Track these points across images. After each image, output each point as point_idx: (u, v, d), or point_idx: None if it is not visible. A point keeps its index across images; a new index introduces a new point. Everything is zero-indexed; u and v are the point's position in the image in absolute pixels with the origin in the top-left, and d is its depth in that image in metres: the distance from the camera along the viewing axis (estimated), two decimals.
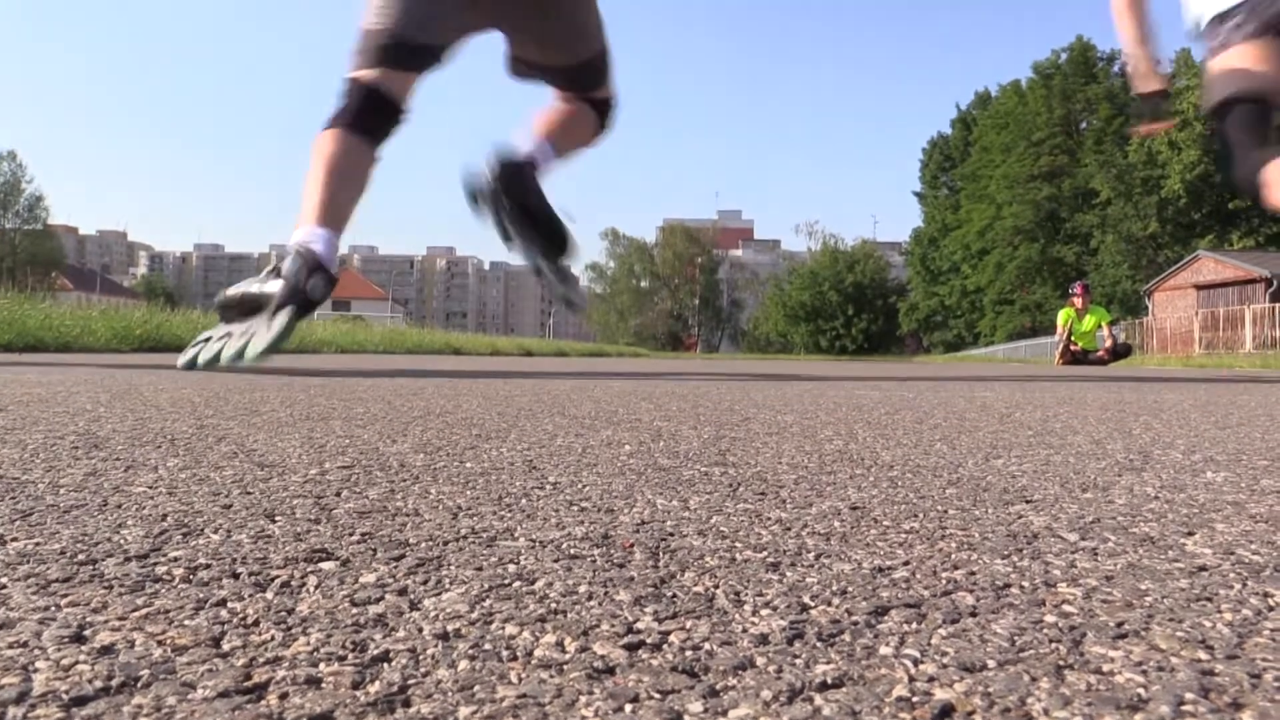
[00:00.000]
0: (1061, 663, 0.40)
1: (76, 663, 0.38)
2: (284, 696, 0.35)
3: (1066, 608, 0.48)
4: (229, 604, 0.47)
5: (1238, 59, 2.93)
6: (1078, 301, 10.30)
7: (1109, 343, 10.21)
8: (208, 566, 0.54)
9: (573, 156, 2.98)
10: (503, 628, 0.44)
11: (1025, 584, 0.53)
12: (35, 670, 0.37)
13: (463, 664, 0.39)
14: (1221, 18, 2.97)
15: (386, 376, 3.07)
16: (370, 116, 2.55)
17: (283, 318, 2.37)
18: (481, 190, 2.72)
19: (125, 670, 0.37)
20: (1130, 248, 33.00)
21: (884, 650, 0.41)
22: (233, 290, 2.58)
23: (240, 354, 2.39)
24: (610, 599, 0.49)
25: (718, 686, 0.37)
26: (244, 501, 0.75)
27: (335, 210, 2.49)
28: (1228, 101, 2.92)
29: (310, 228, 2.45)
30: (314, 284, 2.39)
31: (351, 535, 0.63)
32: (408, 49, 2.58)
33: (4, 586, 0.49)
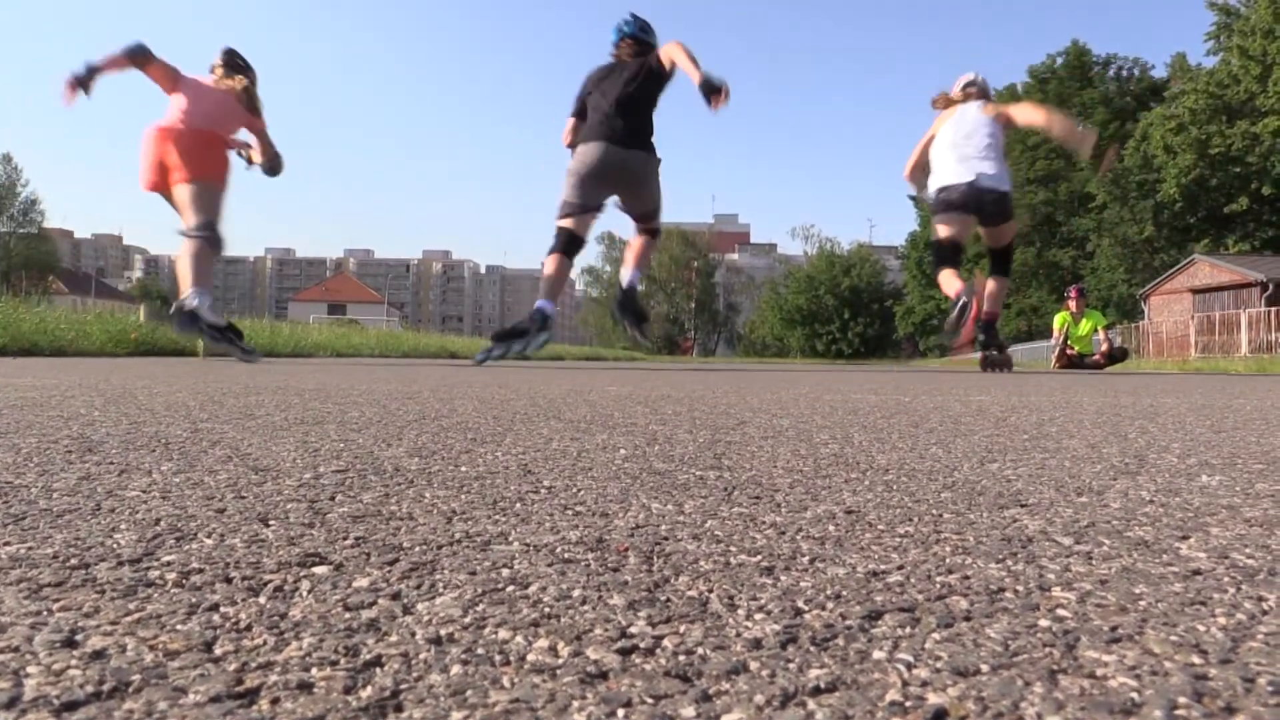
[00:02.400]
0: (1055, 667, 0.40)
1: (68, 667, 0.38)
2: (275, 701, 0.35)
3: (1060, 612, 0.48)
4: (221, 609, 0.47)
5: (940, 221, 5.78)
6: (1072, 305, 10.30)
7: (1105, 346, 10.21)
8: (200, 571, 0.54)
9: (646, 266, 5.88)
10: (495, 632, 0.43)
11: (1019, 588, 0.53)
12: (26, 675, 0.37)
13: (455, 669, 0.39)
14: (938, 191, 5.71)
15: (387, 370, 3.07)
16: (572, 246, 5.31)
17: (539, 336, 5.19)
18: (617, 301, 5.82)
19: (116, 675, 0.37)
20: (1126, 252, 33.04)
21: (877, 654, 0.41)
22: (502, 330, 5.35)
23: (523, 353, 5.27)
24: (604, 603, 0.49)
25: (711, 691, 0.37)
26: (238, 506, 0.74)
27: (555, 292, 5.30)
28: (951, 241, 5.77)
29: (545, 301, 5.25)
30: (545, 324, 5.21)
31: (345, 540, 0.63)
32: (588, 208, 5.30)
33: None
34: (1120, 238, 32.96)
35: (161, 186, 4.91)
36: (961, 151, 5.55)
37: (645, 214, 5.60)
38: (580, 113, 5.49)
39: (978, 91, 5.93)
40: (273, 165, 5.39)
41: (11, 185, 51.55)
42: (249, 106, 5.19)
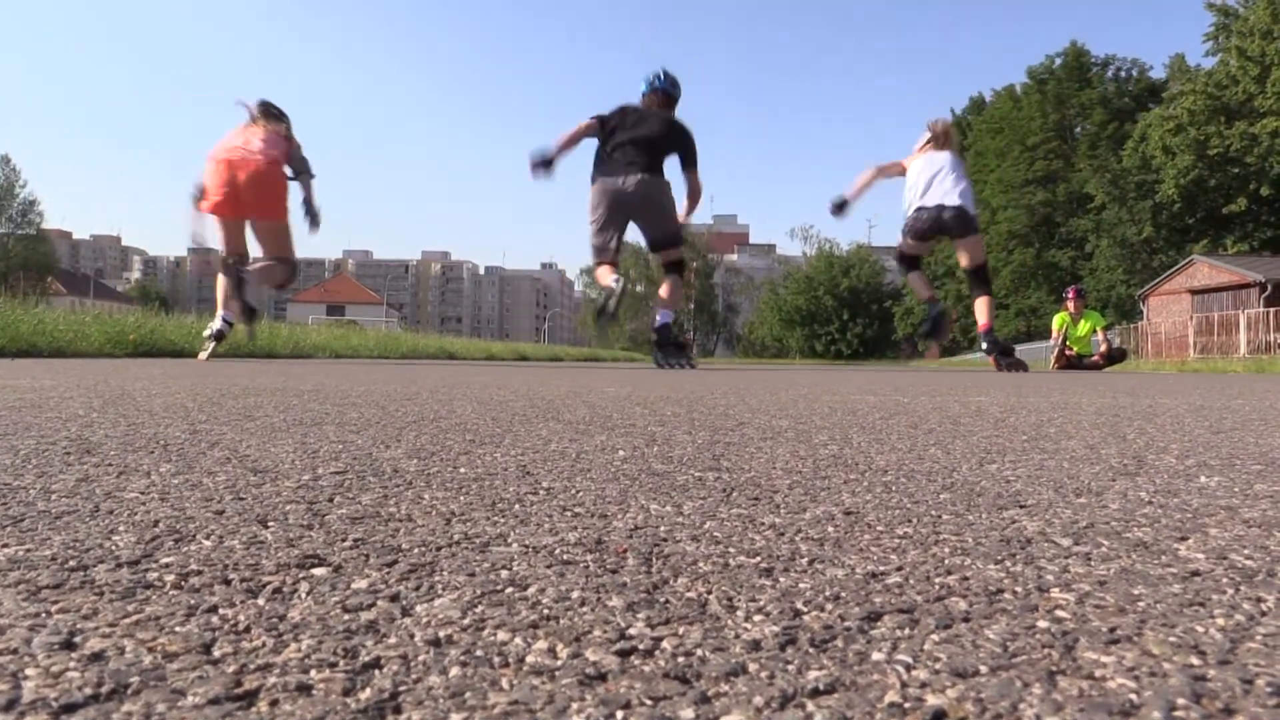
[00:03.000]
0: (1054, 668, 0.40)
1: (66, 670, 0.38)
2: (274, 703, 0.35)
3: (1059, 613, 0.48)
4: (220, 610, 0.47)
5: (908, 240, 6.77)
6: (1071, 305, 10.30)
7: (1104, 347, 10.21)
8: (199, 573, 0.54)
9: (679, 303, 6.46)
10: (494, 634, 0.43)
11: (1018, 589, 0.53)
12: (25, 678, 0.37)
13: (454, 670, 0.39)
14: (912, 211, 6.59)
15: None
16: (614, 261, 6.14)
17: (612, 303, 6.08)
18: (652, 341, 6.41)
19: (115, 677, 0.37)
20: (1125, 252, 33.02)
21: (876, 656, 0.41)
22: (598, 307, 6.43)
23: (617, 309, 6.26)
24: (603, 605, 0.49)
25: (709, 693, 0.37)
26: (236, 507, 0.74)
27: (614, 273, 6.10)
28: (905, 256, 6.95)
29: (609, 275, 6.04)
30: (616, 296, 6.07)
31: (344, 541, 0.63)
32: (611, 247, 6.12)
33: None
34: (1119, 238, 32.95)
35: (227, 213, 5.50)
36: (932, 184, 6.55)
37: (665, 238, 6.18)
38: (600, 122, 6.07)
39: (948, 141, 6.91)
40: (301, 167, 5.91)
41: (10, 187, 51.48)
42: (287, 136, 5.77)
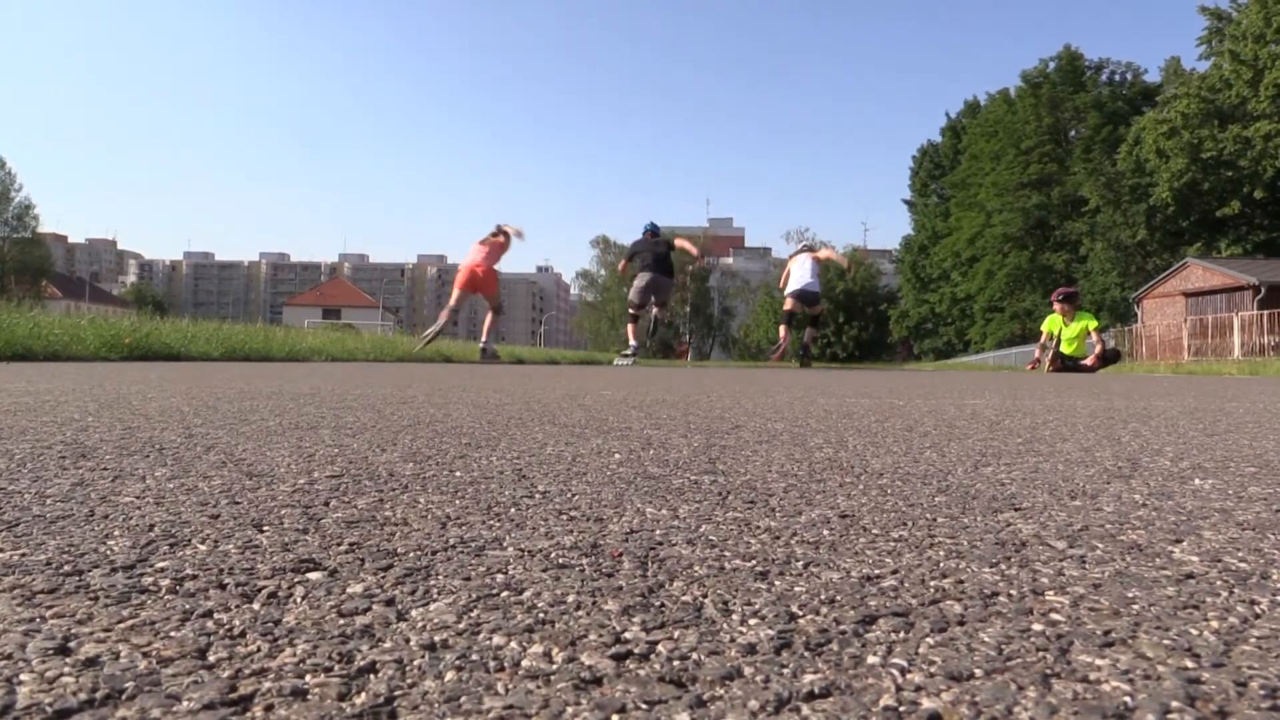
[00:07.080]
0: (1048, 671, 0.40)
1: (61, 675, 0.38)
2: (269, 708, 0.35)
3: (1054, 616, 0.48)
4: (215, 615, 0.46)
5: (789, 301, 11.75)
6: (1058, 308, 10.35)
7: (1098, 349, 10.23)
8: (194, 577, 0.54)
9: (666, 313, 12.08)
10: (490, 638, 0.43)
11: (1013, 592, 0.53)
12: (19, 683, 0.37)
13: (449, 675, 0.39)
14: (790, 290, 11.69)
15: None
16: (639, 317, 11.52)
17: (631, 360, 10.74)
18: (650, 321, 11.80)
19: (110, 682, 0.37)
20: (1119, 255, 33.06)
21: (871, 659, 0.41)
22: (620, 361, 10.87)
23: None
24: (598, 608, 0.49)
25: (705, 696, 0.37)
26: (232, 511, 0.74)
27: (639, 336, 11.39)
28: (789, 311, 11.88)
29: (633, 343, 11.21)
30: (636, 356, 11.00)
31: (339, 545, 0.63)
32: (643, 305, 11.47)
33: None
34: (1113, 241, 33.00)
35: (469, 288, 10.18)
36: (801, 274, 11.31)
37: (663, 304, 11.13)
38: (631, 258, 11.20)
39: (809, 248, 12.08)
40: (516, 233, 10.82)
41: (5, 190, 51.30)
42: (505, 246, 10.43)
